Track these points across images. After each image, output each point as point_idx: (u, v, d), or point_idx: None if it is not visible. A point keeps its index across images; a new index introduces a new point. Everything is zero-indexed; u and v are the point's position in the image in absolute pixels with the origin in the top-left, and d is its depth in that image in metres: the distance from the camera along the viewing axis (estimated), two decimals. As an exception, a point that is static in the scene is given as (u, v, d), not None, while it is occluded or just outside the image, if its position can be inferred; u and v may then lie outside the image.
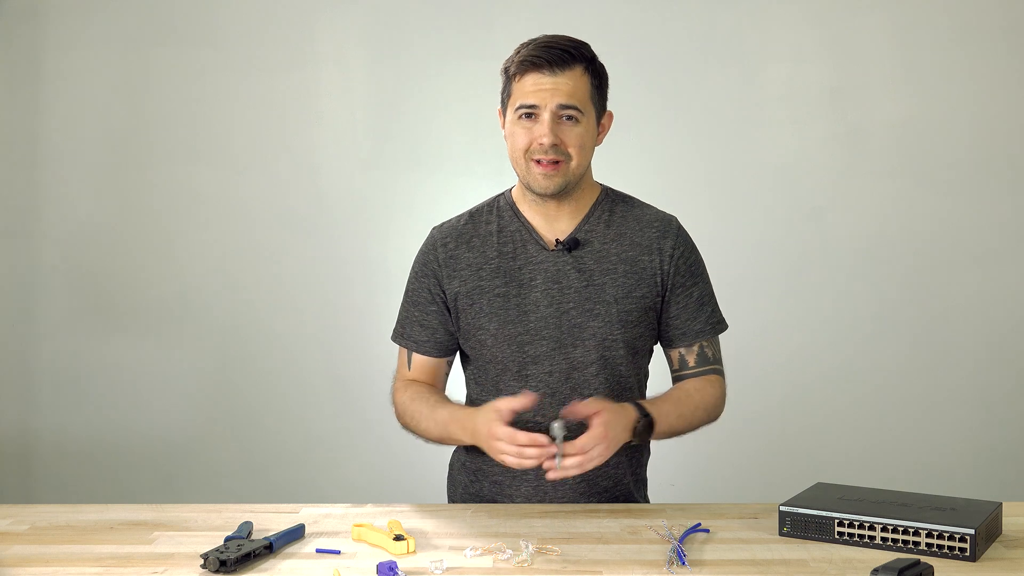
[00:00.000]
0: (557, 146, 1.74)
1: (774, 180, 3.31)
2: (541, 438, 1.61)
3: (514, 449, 1.62)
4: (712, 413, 1.86)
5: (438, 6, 3.33)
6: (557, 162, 1.75)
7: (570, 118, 1.75)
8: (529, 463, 1.62)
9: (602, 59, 1.81)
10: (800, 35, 3.30)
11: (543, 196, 1.80)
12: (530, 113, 1.75)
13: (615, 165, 2.90)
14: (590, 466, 1.63)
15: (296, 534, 1.58)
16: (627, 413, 1.71)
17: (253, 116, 3.36)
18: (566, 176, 1.77)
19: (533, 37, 1.80)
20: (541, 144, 1.74)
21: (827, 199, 3.31)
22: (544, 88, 1.73)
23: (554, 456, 1.61)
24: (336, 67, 3.36)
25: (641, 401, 1.78)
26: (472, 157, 3.26)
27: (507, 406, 1.66)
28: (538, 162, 1.76)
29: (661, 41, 3.31)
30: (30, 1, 3.33)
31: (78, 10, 3.34)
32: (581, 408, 1.66)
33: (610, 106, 1.84)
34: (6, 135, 3.36)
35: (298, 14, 3.34)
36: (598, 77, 1.79)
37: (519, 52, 1.77)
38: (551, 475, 1.63)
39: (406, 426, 1.89)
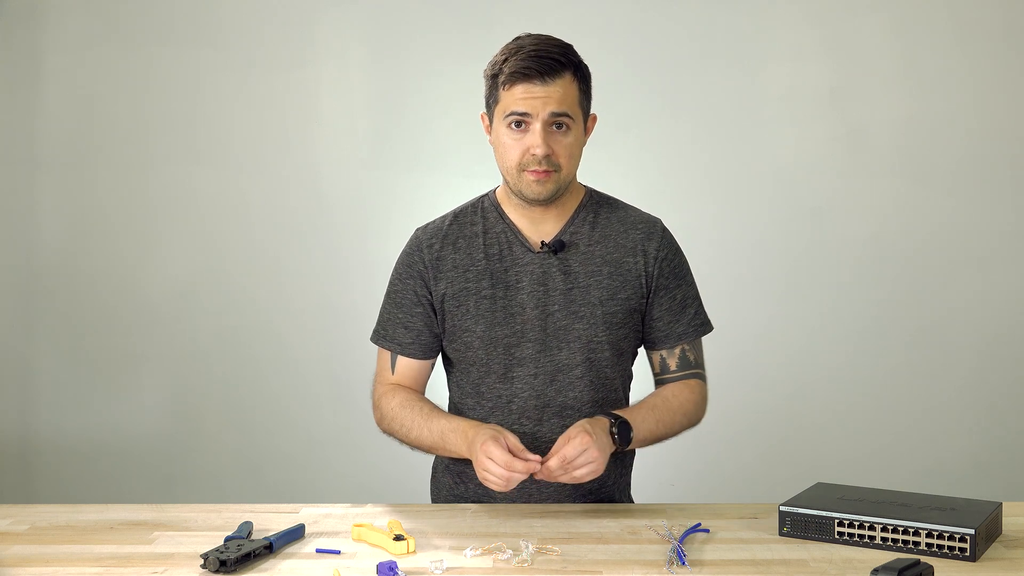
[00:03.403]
0: (549, 156, 1.74)
1: (774, 180, 3.31)
2: (532, 467, 1.63)
3: (503, 472, 1.61)
4: (692, 417, 1.86)
5: (438, 6, 3.33)
6: (548, 171, 1.75)
7: (560, 126, 1.74)
8: (510, 486, 1.63)
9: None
10: (800, 35, 3.30)
11: (534, 202, 1.80)
12: (520, 122, 1.74)
13: (616, 165, 2.91)
14: (585, 475, 1.64)
15: (296, 534, 1.59)
16: (600, 421, 1.71)
17: (253, 116, 3.35)
18: (558, 183, 1.77)
19: (518, 37, 1.78)
20: (534, 155, 1.74)
21: (827, 199, 3.31)
22: (536, 97, 1.72)
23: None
24: (336, 67, 3.36)
25: (612, 410, 1.77)
26: (472, 157, 3.25)
27: (513, 444, 1.65)
28: (532, 171, 1.75)
29: (661, 41, 3.31)
30: (30, 1, 3.33)
31: (78, 10, 3.34)
32: (556, 450, 1.65)
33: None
34: (6, 135, 3.36)
35: (298, 14, 3.34)
36: (585, 81, 1.79)
37: (507, 60, 1.74)
38: (538, 475, 1.64)
39: (390, 432, 1.88)
